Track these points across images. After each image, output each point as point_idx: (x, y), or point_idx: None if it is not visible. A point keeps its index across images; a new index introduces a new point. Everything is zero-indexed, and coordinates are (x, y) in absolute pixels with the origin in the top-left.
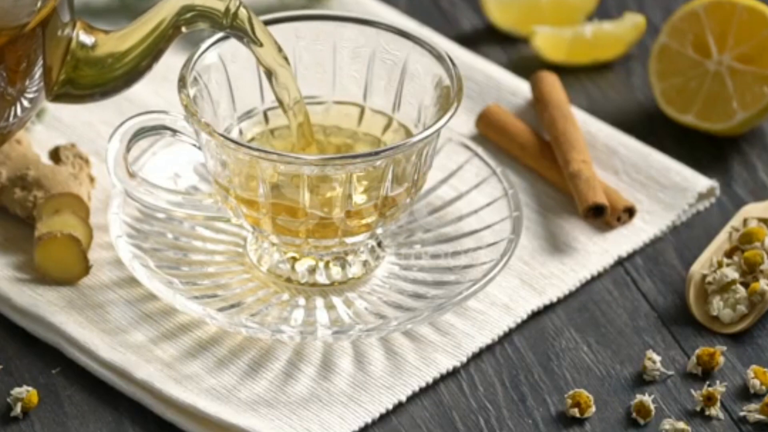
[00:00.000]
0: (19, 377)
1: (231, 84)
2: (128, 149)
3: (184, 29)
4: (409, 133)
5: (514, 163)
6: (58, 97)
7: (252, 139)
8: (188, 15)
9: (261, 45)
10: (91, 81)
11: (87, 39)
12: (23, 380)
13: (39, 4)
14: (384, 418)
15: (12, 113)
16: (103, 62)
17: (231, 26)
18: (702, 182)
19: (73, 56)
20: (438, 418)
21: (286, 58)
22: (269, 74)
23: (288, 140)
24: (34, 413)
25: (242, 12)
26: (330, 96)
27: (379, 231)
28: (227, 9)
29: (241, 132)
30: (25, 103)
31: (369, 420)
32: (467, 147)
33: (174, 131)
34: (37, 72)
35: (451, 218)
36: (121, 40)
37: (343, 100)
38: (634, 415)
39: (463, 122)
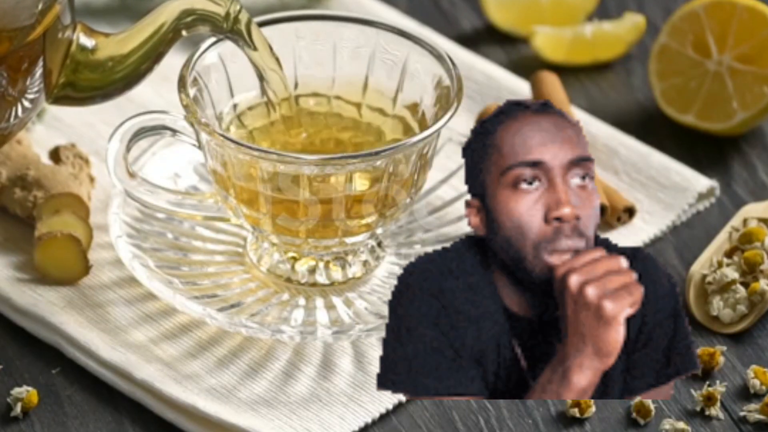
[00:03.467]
0: (19, 377)
1: (231, 84)
2: (128, 149)
3: (184, 33)
4: (408, 133)
5: None
6: (57, 100)
7: (251, 132)
8: (189, 18)
9: (255, 49)
10: (91, 84)
11: (87, 42)
12: (23, 380)
13: (40, 6)
14: (384, 418)
15: (12, 114)
16: (104, 65)
17: (231, 30)
18: (702, 182)
19: (72, 59)
20: (438, 418)
21: (278, 61)
22: (260, 75)
23: (281, 134)
24: (34, 413)
25: (243, 16)
26: (329, 95)
27: (379, 231)
28: (228, 13)
29: (242, 125)
30: (26, 104)
31: (369, 420)
32: None
33: (174, 131)
34: (38, 74)
35: (451, 218)
36: (121, 43)
37: (343, 98)
38: (634, 415)
39: (463, 122)
